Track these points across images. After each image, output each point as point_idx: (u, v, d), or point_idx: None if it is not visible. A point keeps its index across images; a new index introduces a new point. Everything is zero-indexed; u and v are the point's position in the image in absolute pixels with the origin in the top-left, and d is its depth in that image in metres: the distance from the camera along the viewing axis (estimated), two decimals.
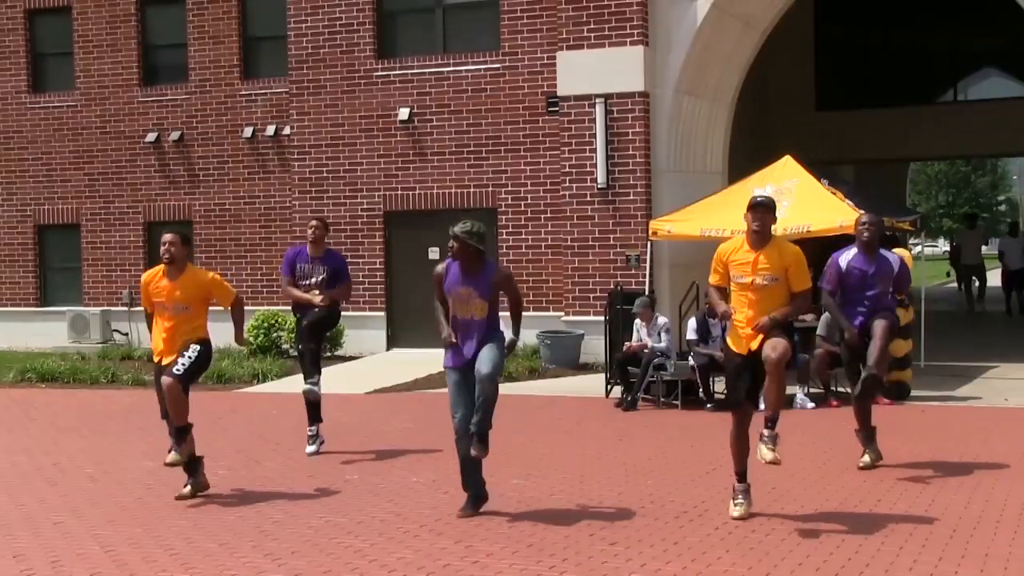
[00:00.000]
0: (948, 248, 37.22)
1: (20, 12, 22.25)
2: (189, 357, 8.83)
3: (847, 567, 6.65)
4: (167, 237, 8.96)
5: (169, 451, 8.95)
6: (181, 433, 8.86)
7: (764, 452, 7.74)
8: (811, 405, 13.11)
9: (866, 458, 9.53)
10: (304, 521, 8.07)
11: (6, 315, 22.40)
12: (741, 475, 7.97)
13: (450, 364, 8.12)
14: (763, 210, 7.76)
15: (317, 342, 10.92)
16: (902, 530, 7.42)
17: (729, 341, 7.97)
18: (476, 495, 8.20)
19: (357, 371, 17.06)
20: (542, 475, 9.52)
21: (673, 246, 16.32)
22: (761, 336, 7.66)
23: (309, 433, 10.78)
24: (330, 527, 7.88)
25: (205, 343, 9.01)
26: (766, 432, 7.77)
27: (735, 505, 7.91)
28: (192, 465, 8.98)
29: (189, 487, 8.92)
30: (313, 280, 10.63)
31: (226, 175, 20.78)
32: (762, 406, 7.96)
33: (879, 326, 9.12)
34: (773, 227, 7.89)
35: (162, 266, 8.98)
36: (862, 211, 13.38)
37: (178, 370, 8.77)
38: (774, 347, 7.57)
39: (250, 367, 16.97)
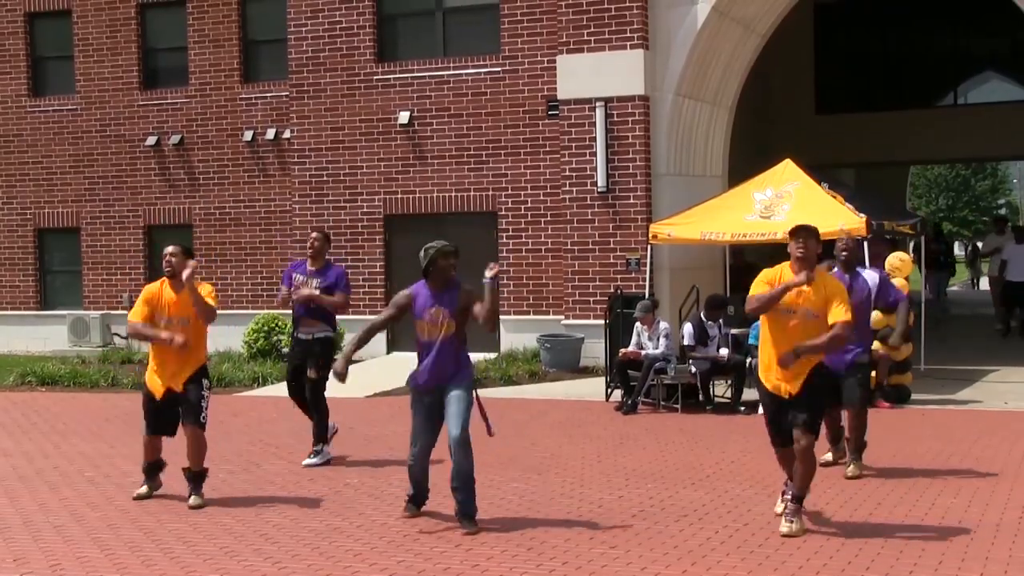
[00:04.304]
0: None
1: (20, 15, 22.26)
2: (205, 397, 8.80)
3: (847, 570, 6.65)
4: (169, 249, 8.86)
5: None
6: (200, 478, 8.89)
7: (783, 525, 7.52)
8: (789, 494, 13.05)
9: (828, 456, 9.59)
10: (304, 524, 8.08)
11: (6, 319, 22.40)
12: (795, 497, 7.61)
13: (418, 383, 7.93)
14: (805, 235, 7.59)
15: (320, 373, 10.38)
16: (902, 534, 7.42)
17: (761, 377, 7.72)
18: (420, 498, 8.30)
19: (357, 374, 16.97)
20: (542, 478, 9.52)
21: (673, 250, 16.32)
22: (798, 379, 7.48)
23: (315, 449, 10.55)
24: (330, 530, 7.88)
25: (207, 373, 8.96)
26: (790, 506, 7.56)
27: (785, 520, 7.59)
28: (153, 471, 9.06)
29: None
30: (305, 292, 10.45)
31: (226, 179, 20.79)
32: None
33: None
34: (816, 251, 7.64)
35: (164, 280, 8.91)
36: (862, 215, 13.45)
37: (204, 418, 8.81)
38: (798, 439, 7.46)
39: (250, 371, 16.98)
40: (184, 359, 8.76)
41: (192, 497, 8.81)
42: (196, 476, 8.88)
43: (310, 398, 10.47)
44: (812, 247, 7.61)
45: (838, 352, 8.57)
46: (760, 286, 7.64)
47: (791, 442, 7.59)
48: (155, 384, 8.83)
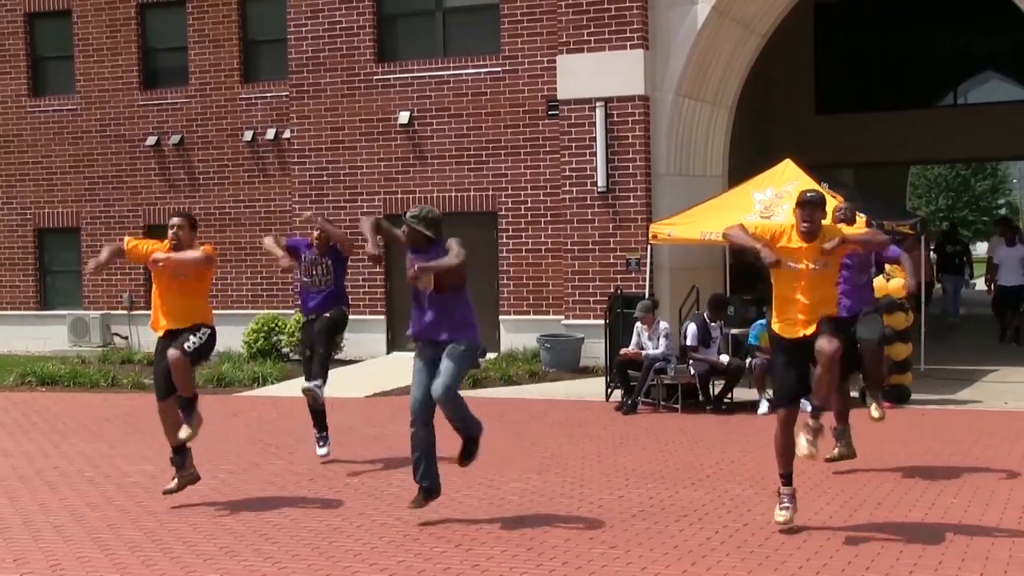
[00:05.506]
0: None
1: (20, 15, 22.26)
2: (200, 338, 8.65)
3: (847, 571, 6.65)
4: (175, 221, 8.74)
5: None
6: (191, 404, 8.71)
7: (800, 444, 7.56)
8: (810, 408, 13.08)
9: (835, 452, 9.52)
10: (304, 524, 8.08)
11: (6, 319, 22.41)
12: (786, 478, 7.66)
13: (410, 332, 8.06)
14: (812, 207, 7.58)
15: (328, 346, 10.47)
16: (903, 533, 7.42)
17: (776, 328, 7.70)
18: (429, 488, 8.11)
19: (357, 374, 17.05)
20: (542, 478, 9.52)
21: (673, 250, 16.33)
22: (814, 324, 7.45)
23: (318, 436, 10.53)
24: (330, 530, 7.88)
25: (212, 328, 8.80)
26: (810, 422, 7.61)
27: (781, 510, 7.58)
28: (180, 456, 8.83)
29: (176, 481, 8.84)
30: (317, 272, 10.48)
31: (226, 179, 20.79)
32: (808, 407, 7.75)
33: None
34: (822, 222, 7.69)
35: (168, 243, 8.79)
36: (863, 215, 13.43)
37: (189, 346, 8.59)
38: (830, 340, 7.40)
39: (250, 371, 16.97)
40: (183, 307, 8.66)
41: (182, 427, 8.68)
42: (184, 403, 8.70)
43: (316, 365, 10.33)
44: (818, 219, 7.64)
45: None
46: (765, 230, 7.75)
47: (799, 395, 7.70)
48: (158, 325, 8.76)
